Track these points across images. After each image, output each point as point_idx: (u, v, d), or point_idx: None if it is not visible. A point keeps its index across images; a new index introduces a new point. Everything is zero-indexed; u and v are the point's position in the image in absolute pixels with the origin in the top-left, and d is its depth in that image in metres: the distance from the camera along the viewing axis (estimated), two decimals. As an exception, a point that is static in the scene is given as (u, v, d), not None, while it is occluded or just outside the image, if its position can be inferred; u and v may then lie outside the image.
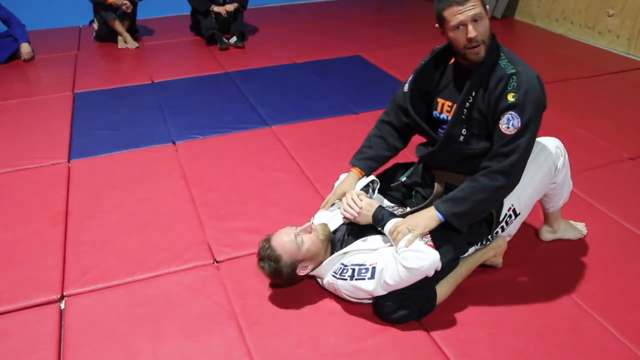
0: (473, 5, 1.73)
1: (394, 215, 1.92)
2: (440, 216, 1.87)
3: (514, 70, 1.79)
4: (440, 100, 2.01)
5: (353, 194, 2.00)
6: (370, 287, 1.83)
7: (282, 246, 1.89)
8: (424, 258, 1.75)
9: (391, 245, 1.88)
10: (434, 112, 2.03)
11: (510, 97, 1.77)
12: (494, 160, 1.83)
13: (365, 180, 2.15)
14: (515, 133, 1.78)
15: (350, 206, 1.97)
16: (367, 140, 2.22)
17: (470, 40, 1.76)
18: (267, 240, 1.94)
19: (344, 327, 1.89)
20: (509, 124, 1.79)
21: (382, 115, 2.21)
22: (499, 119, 1.81)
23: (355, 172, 2.15)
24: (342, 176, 2.25)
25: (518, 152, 1.79)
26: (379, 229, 1.93)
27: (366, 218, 1.96)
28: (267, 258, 1.90)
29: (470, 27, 1.75)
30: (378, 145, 2.17)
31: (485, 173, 1.84)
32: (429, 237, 1.82)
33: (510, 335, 1.86)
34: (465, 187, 1.87)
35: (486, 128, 1.89)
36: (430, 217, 1.88)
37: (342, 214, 2.02)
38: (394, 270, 1.77)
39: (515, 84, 1.78)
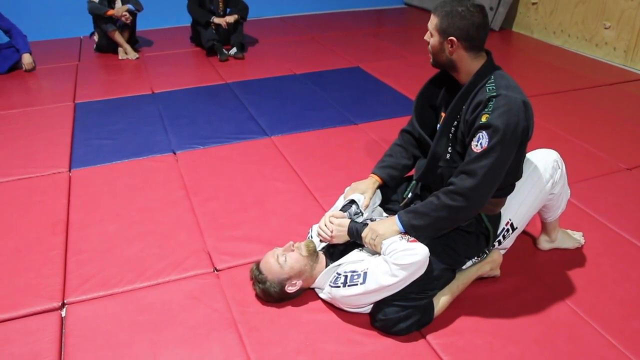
0: (431, 20, 1.86)
1: (367, 225, 1.94)
2: (400, 226, 1.88)
3: (494, 94, 1.77)
4: (443, 114, 2.02)
5: (326, 218, 2.04)
6: (361, 291, 1.84)
7: (266, 268, 1.98)
8: (415, 253, 1.77)
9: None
10: (438, 125, 2.05)
11: (484, 118, 1.76)
12: (457, 177, 1.82)
13: (344, 200, 2.17)
14: (481, 152, 1.76)
15: (322, 230, 2.02)
16: (389, 148, 2.26)
17: None
18: (257, 264, 2.04)
19: (343, 334, 1.90)
20: (478, 142, 1.77)
21: (407, 125, 2.24)
22: (473, 138, 1.80)
23: (374, 177, 2.19)
24: (348, 189, 2.27)
25: (480, 174, 1.76)
26: (359, 242, 1.96)
27: (342, 238, 2.00)
28: (256, 280, 2.01)
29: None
30: (398, 154, 2.21)
31: (446, 191, 1.82)
32: (408, 235, 1.84)
33: (508, 344, 1.87)
34: (428, 202, 1.87)
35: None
36: (389, 225, 1.89)
37: (317, 237, 2.05)
38: (387, 270, 1.79)
39: (492, 105, 1.76)
